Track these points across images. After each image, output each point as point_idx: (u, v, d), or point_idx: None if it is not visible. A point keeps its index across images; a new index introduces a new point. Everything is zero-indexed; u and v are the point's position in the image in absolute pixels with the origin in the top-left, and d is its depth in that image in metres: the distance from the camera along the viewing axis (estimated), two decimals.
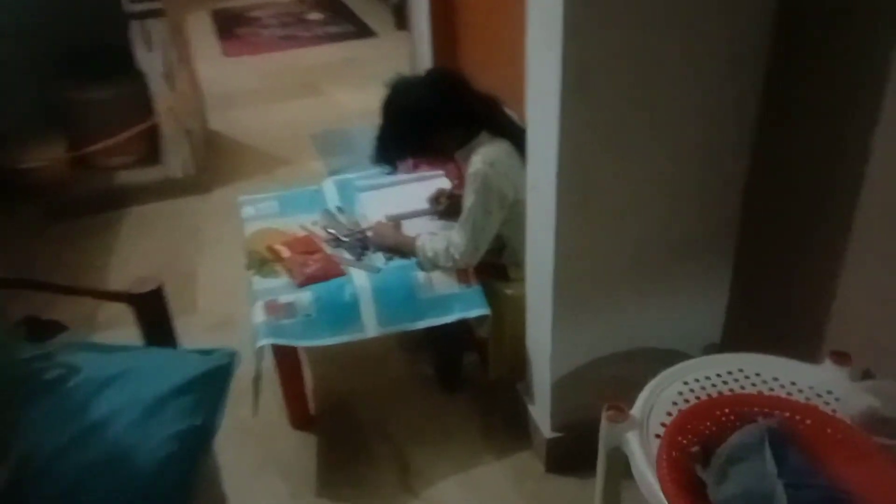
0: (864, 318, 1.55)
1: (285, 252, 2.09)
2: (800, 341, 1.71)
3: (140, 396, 1.19)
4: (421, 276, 1.98)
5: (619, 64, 1.48)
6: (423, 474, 2.00)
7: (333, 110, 4.53)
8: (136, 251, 3.15)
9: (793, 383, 1.44)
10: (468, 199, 1.92)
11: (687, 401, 1.41)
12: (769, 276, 1.80)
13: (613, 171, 1.61)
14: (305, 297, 1.93)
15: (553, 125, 1.52)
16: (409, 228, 2.18)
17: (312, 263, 2.03)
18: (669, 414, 1.39)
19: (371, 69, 5.08)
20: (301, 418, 2.16)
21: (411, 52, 4.43)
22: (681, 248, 1.76)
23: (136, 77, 3.30)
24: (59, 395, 1.19)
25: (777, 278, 1.78)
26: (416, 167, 2.46)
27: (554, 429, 1.92)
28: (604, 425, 1.39)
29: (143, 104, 3.35)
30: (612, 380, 1.87)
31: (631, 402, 1.43)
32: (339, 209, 2.32)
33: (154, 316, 1.49)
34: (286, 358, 2.03)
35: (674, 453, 1.26)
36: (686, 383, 1.46)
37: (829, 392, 1.42)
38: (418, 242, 2.02)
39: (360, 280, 1.98)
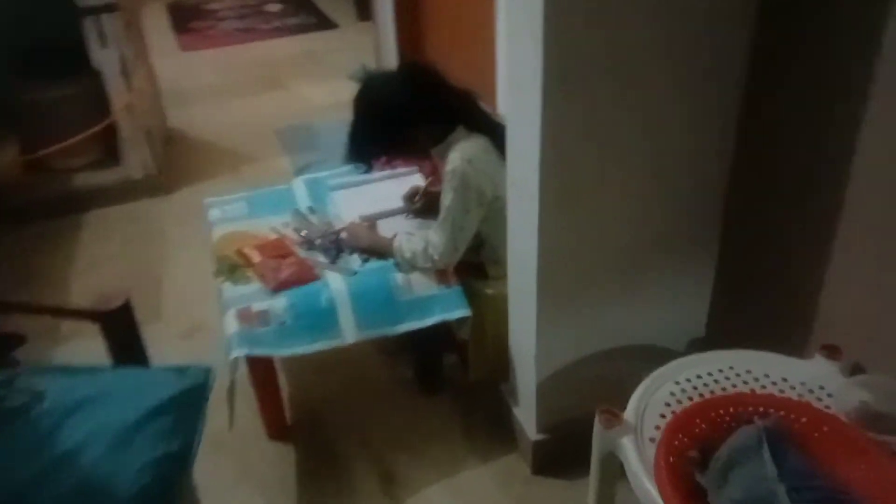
0: (851, 311, 1.54)
1: (256, 256, 2.01)
2: (785, 334, 1.69)
3: (111, 422, 1.11)
4: (399, 277, 1.93)
5: (601, 57, 1.44)
6: (407, 481, 1.95)
7: (297, 105, 4.43)
8: (98, 257, 3.03)
9: (784, 379, 1.42)
10: (446, 198, 1.86)
11: (679, 402, 1.38)
12: (753, 269, 1.78)
13: (596, 166, 1.57)
14: (279, 303, 1.86)
15: (535, 120, 1.47)
16: (385, 228, 2.11)
17: (285, 268, 1.95)
18: (663, 416, 1.35)
19: (334, 61, 4.99)
20: (277, 428, 2.10)
21: (375, 43, 4.35)
22: (664, 241, 1.73)
23: (91, 75, 3.17)
24: (23, 424, 1.11)
25: (761, 271, 1.76)
26: (389, 164, 2.39)
27: (540, 431, 1.89)
28: (597, 431, 1.35)
29: (99, 103, 3.22)
30: (598, 379, 1.84)
31: (619, 401, 1.39)
32: (311, 210, 2.24)
33: (122, 333, 1.41)
34: (260, 367, 1.96)
35: (671, 459, 1.22)
36: (677, 383, 1.43)
37: (822, 387, 1.40)
38: (395, 243, 1.96)
39: (336, 284, 1.91)
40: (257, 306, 1.86)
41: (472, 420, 2.11)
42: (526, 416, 1.92)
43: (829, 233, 1.51)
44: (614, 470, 1.38)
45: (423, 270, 1.93)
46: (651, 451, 1.28)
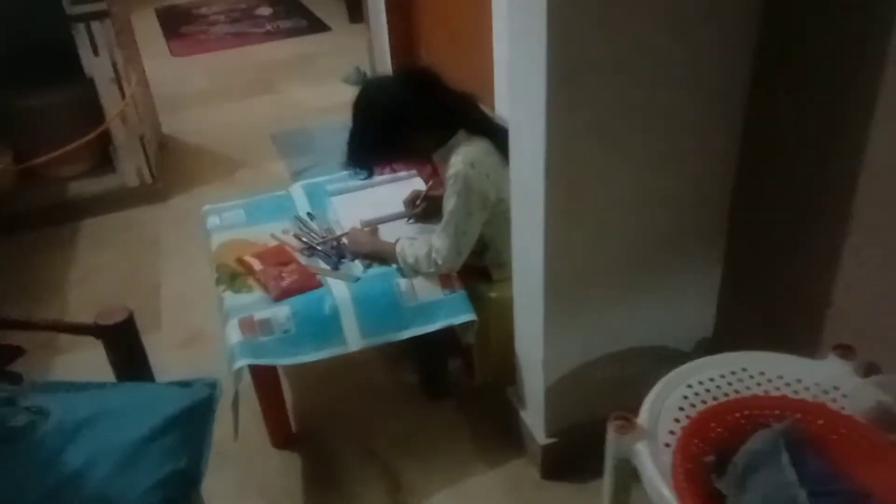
0: (862, 309, 1.52)
1: (257, 264, 1.98)
2: (795, 334, 1.68)
3: (117, 441, 1.09)
4: (403, 283, 1.90)
5: (605, 57, 1.42)
6: (414, 489, 1.93)
7: (290, 108, 4.40)
8: (94, 266, 3.00)
9: (798, 380, 1.40)
10: (449, 202, 1.84)
11: (693, 405, 1.36)
12: (761, 269, 1.77)
13: (602, 167, 1.55)
14: (282, 311, 1.84)
15: (539, 121, 1.45)
16: (386, 233, 2.09)
17: (287, 275, 1.93)
18: (677, 420, 1.34)
19: (327, 64, 4.97)
20: (282, 437, 2.07)
21: (369, 45, 4.34)
22: (671, 242, 1.72)
23: (83, 82, 3.13)
24: (28, 444, 1.08)
25: (769, 270, 1.75)
26: (390, 167, 2.36)
27: (548, 435, 1.86)
28: (611, 437, 1.33)
29: (92, 110, 3.18)
30: (607, 381, 1.82)
31: (628, 403, 1.38)
32: (310, 215, 2.22)
33: (126, 348, 1.38)
34: (264, 376, 1.94)
35: (688, 464, 1.21)
36: (690, 386, 1.41)
37: (836, 388, 1.38)
38: (398, 248, 1.93)
39: (339, 291, 1.89)
40: (260, 315, 1.83)
41: (479, 425, 2.09)
42: (534, 420, 1.90)
43: (839, 230, 1.50)
44: (628, 476, 1.36)
45: (427, 275, 1.91)
46: (666, 456, 1.27)
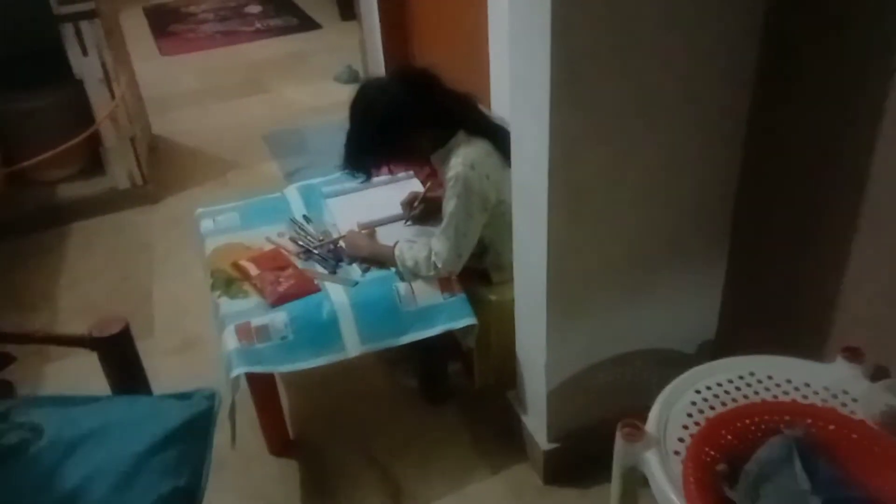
0: (870, 311, 1.50)
1: (253, 269, 1.95)
2: (800, 336, 1.66)
3: (115, 459, 1.05)
4: (402, 287, 1.87)
5: (609, 57, 1.40)
6: (415, 494, 1.90)
7: (282, 108, 4.35)
8: (85, 271, 2.95)
9: (807, 384, 1.38)
10: (449, 204, 1.81)
11: (702, 411, 1.34)
12: (765, 270, 1.75)
13: (605, 168, 1.53)
14: (280, 317, 1.80)
15: (543, 123, 1.42)
16: (384, 236, 2.06)
17: (284, 280, 1.90)
18: (685, 427, 1.31)
19: (318, 63, 4.92)
20: (280, 444, 2.04)
21: (361, 43, 4.30)
22: (674, 243, 1.70)
23: (72, 83, 3.07)
24: (22, 463, 1.04)
25: (773, 272, 1.72)
26: (386, 170, 2.32)
27: (551, 440, 1.84)
28: (619, 445, 1.30)
29: (81, 112, 3.13)
30: (610, 385, 1.80)
31: (631, 407, 1.35)
32: (306, 218, 2.18)
33: (122, 360, 1.34)
34: (261, 383, 1.90)
35: (699, 473, 1.18)
36: (698, 392, 1.38)
37: (846, 392, 1.36)
38: (396, 252, 1.90)
39: (337, 295, 1.86)
40: (257, 321, 1.80)
41: (480, 429, 2.06)
42: (536, 424, 1.88)
43: (847, 229, 1.47)
44: (636, 484, 1.33)
45: (427, 279, 1.88)
46: (676, 464, 1.24)
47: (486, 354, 2.02)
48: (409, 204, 2.15)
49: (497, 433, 2.03)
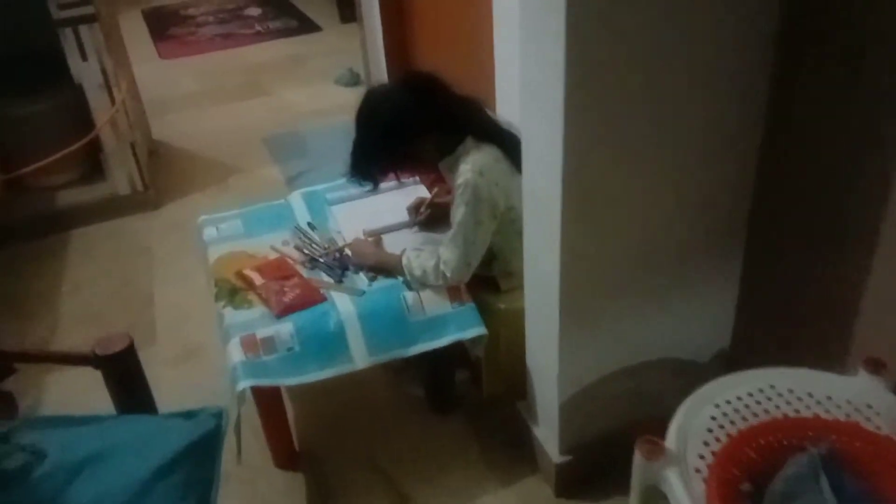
0: (891, 322, 1.47)
1: (257, 278, 1.91)
2: (818, 344, 1.63)
3: (120, 483, 1.01)
4: (410, 297, 1.84)
5: (624, 62, 1.36)
6: None
7: (282, 111, 4.32)
8: (85, 278, 2.91)
9: (829, 398, 1.35)
10: (458, 212, 1.77)
11: (722, 426, 1.31)
12: (781, 278, 1.71)
13: (619, 174, 1.49)
14: (286, 328, 1.77)
15: (556, 128, 1.39)
16: (390, 243, 2.02)
17: (289, 290, 1.86)
18: (706, 444, 1.28)
19: (318, 65, 4.89)
20: (285, 456, 2.00)
21: (362, 45, 4.26)
22: (688, 249, 1.66)
23: (71, 88, 3.04)
24: (25, 487, 1.00)
25: (790, 279, 1.69)
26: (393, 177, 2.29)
27: (563, 452, 1.81)
28: (638, 462, 1.27)
29: (80, 117, 3.10)
30: (622, 395, 1.77)
31: (644, 418, 1.32)
32: (311, 225, 2.15)
33: (126, 378, 1.31)
34: (267, 395, 1.86)
35: (723, 492, 1.15)
36: (717, 406, 1.35)
37: (869, 406, 1.32)
38: (404, 260, 1.87)
39: (343, 305, 1.82)
40: (262, 333, 1.76)
41: (488, 440, 2.03)
42: (547, 436, 1.84)
43: (870, 235, 1.44)
44: (656, 502, 1.30)
45: (435, 288, 1.85)
46: (697, 483, 1.21)
47: (495, 363, 1.98)
48: (415, 209, 2.11)
49: (506, 444, 1.99)
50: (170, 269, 2.93)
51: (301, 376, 1.74)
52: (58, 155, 3.01)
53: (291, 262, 1.99)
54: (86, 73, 3.01)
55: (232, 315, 1.83)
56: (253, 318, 1.81)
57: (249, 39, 5.63)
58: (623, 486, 1.33)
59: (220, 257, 2.05)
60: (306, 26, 5.79)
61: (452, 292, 1.85)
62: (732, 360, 1.83)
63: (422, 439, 2.05)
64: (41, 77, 3.14)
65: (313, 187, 2.35)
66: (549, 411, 1.79)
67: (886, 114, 1.36)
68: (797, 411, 1.33)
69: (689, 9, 1.35)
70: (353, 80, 4.50)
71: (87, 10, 2.91)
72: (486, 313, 1.88)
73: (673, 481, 1.21)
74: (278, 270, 1.94)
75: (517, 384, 1.94)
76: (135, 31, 5.76)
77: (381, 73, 3.78)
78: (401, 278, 1.88)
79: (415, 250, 1.90)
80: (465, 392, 2.14)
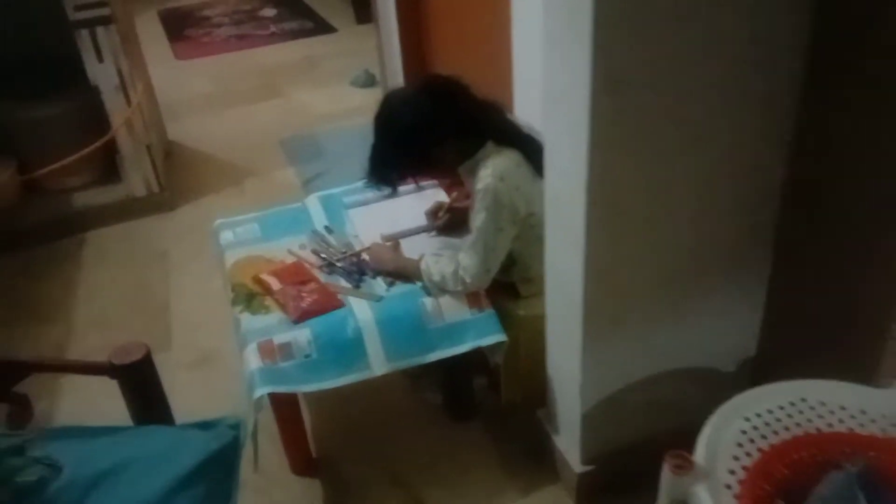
0: None
1: (275, 283, 1.89)
2: (848, 353, 1.58)
3: (137, 497, 0.99)
4: (428, 303, 1.81)
5: (649, 70, 1.33)
6: None
7: (298, 113, 4.30)
8: (101, 281, 2.90)
9: (863, 412, 1.31)
10: (478, 217, 1.74)
11: (752, 440, 1.27)
12: (809, 284, 1.67)
13: (644, 182, 1.46)
14: (303, 334, 1.74)
15: (581, 134, 1.35)
16: (408, 247, 1.99)
17: (307, 295, 1.83)
18: (736, 458, 1.24)
19: (334, 67, 4.87)
20: (303, 463, 1.98)
21: (378, 47, 4.22)
22: (714, 258, 1.62)
23: (87, 90, 3.03)
24: (41, 502, 0.98)
25: (818, 286, 1.65)
26: (412, 181, 2.26)
27: (585, 462, 1.77)
28: (666, 477, 1.23)
29: (96, 119, 3.09)
30: (646, 404, 1.74)
31: (668, 427, 1.29)
32: (328, 229, 2.12)
33: (143, 389, 1.29)
34: (284, 402, 1.84)
35: None
36: (747, 419, 1.31)
37: None
38: (422, 266, 1.84)
39: (361, 311, 1.79)
40: (279, 339, 1.73)
41: (508, 448, 1.99)
42: (569, 446, 1.81)
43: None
44: None
45: (454, 294, 1.82)
46: (727, 499, 1.17)
47: (514, 370, 1.95)
48: (434, 213, 2.08)
49: (525, 452, 1.96)
50: (185, 271, 2.91)
51: (318, 383, 1.71)
52: (74, 157, 3.01)
53: (309, 266, 1.97)
54: (102, 74, 3.00)
55: (249, 320, 1.81)
56: (270, 323, 1.79)
57: (265, 41, 5.62)
58: (647, 497, 1.30)
59: (236, 261, 2.03)
60: (322, 27, 5.77)
61: (472, 298, 1.82)
62: (758, 370, 1.79)
63: (439, 446, 2.02)
64: (57, 79, 3.14)
65: (330, 190, 2.32)
66: (571, 420, 1.76)
67: None
68: (830, 425, 1.29)
69: (717, 15, 1.32)
70: (368, 82, 4.47)
71: (103, 11, 2.90)
72: (505, 319, 1.85)
73: (703, 497, 1.18)
74: (296, 275, 1.92)
75: (536, 391, 1.91)
76: (151, 32, 5.76)
77: (396, 75, 3.75)
78: (419, 284, 1.86)
79: (433, 255, 1.87)
80: (483, 399, 2.11)
